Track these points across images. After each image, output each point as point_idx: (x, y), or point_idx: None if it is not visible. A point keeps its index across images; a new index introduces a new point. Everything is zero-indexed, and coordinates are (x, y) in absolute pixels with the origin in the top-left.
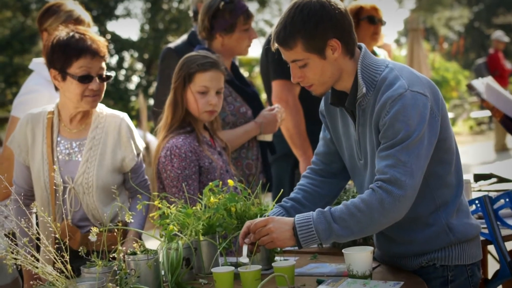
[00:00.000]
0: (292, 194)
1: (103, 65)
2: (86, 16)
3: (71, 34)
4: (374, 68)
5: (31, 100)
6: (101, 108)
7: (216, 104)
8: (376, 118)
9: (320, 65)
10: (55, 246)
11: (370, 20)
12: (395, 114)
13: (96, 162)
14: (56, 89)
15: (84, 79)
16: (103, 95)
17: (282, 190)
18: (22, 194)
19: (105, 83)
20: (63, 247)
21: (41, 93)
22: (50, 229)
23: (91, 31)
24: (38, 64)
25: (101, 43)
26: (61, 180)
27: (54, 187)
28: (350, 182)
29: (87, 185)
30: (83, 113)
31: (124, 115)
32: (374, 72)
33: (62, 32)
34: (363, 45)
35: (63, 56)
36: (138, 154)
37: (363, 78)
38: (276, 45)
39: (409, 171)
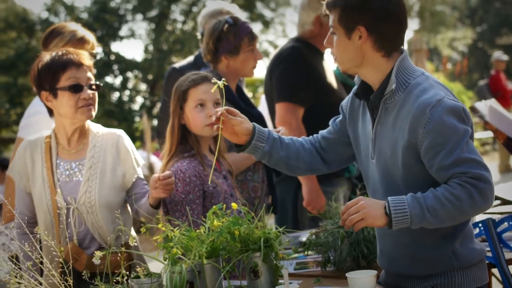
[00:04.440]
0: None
1: (90, 75)
2: (90, 36)
3: (53, 54)
4: (409, 72)
5: (37, 121)
6: (97, 128)
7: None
8: (414, 124)
9: (344, 42)
10: (59, 270)
11: None
12: (439, 120)
13: (97, 180)
14: (51, 115)
15: (75, 88)
16: (96, 105)
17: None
18: (26, 220)
19: (96, 93)
20: (67, 271)
21: (46, 114)
22: (54, 252)
23: (74, 50)
24: None
25: (85, 55)
26: (64, 201)
27: (58, 210)
28: None
29: (90, 204)
30: (80, 132)
31: (121, 132)
32: (409, 74)
33: (45, 56)
34: (406, 51)
35: (50, 74)
36: (138, 168)
37: (396, 76)
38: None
39: (481, 164)
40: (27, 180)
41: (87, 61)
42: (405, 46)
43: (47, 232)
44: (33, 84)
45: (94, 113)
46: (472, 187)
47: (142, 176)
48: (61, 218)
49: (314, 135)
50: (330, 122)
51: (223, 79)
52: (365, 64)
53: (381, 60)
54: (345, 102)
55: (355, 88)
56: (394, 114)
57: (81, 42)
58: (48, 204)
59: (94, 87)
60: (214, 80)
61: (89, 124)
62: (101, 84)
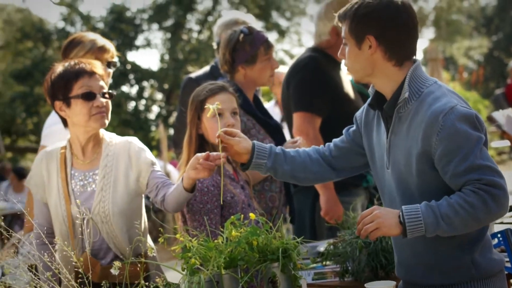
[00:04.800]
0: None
1: (103, 84)
2: (110, 45)
3: (65, 64)
4: (422, 80)
5: (60, 130)
6: (110, 136)
7: (233, 124)
8: (427, 131)
9: (355, 52)
10: (78, 281)
11: None
12: (452, 127)
13: (111, 189)
14: (65, 125)
15: (87, 96)
16: (110, 114)
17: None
18: (45, 231)
19: (109, 102)
20: (86, 282)
21: None
22: (74, 263)
23: (87, 59)
24: None
25: (97, 64)
26: (79, 211)
27: (77, 221)
28: None
29: (104, 214)
30: (94, 140)
31: (133, 139)
32: (421, 83)
33: (57, 67)
34: (418, 60)
35: (63, 83)
36: (152, 165)
37: (409, 85)
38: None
39: (495, 170)
40: (44, 191)
41: (100, 70)
42: (421, 55)
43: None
44: (47, 95)
45: (107, 121)
46: (486, 194)
47: (158, 168)
48: (79, 229)
49: (327, 144)
50: (344, 131)
51: (216, 103)
52: (377, 74)
53: (393, 69)
54: (359, 113)
55: (369, 99)
56: (407, 123)
57: (101, 51)
58: (64, 215)
59: (107, 95)
60: (207, 105)
61: (103, 133)
62: (114, 93)
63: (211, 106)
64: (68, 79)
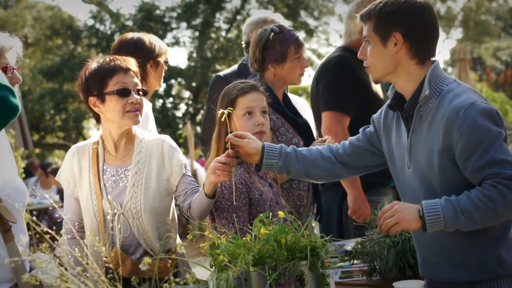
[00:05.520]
0: (299, 148)
1: (137, 81)
2: (163, 44)
3: (100, 61)
4: (442, 79)
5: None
6: (143, 133)
7: (263, 123)
8: (448, 127)
9: (379, 50)
10: (107, 276)
11: None
12: (472, 122)
13: (142, 186)
14: (98, 121)
15: (123, 92)
16: (143, 111)
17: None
18: (76, 226)
19: (143, 98)
20: (116, 277)
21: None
22: (104, 258)
23: (121, 56)
24: None
25: (132, 61)
26: (110, 206)
27: (109, 216)
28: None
29: (136, 210)
30: (127, 137)
31: (166, 137)
32: (441, 81)
33: (91, 63)
34: (437, 60)
35: (98, 79)
36: (184, 169)
37: (429, 83)
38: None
39: None
40: (75, 186)
41: (134, 66)
42: (448, 56)
43: (96, 238)
44: (80, 91)
45: (141, 118)
46: (505, 188)
47: (189, 173)
48: (111, 224)
49: (342, 141)
50: (360, 130)
51: (229, 108)
52: (399, 72)
53: (415, 68)
54: (377, 115)
55: (389, 100)
56: (428, 121)
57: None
58: (95, 209)
59: (141, 92)
60: (221, 110)
61: (136, 129)
62: (148, 90)
63: (224, 111)
64: (103, 75)
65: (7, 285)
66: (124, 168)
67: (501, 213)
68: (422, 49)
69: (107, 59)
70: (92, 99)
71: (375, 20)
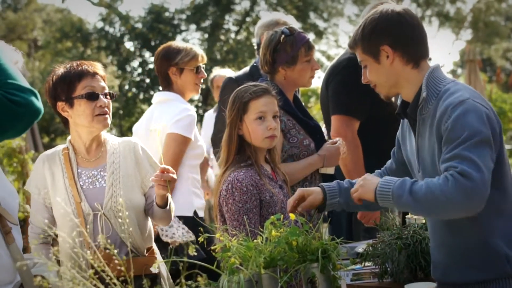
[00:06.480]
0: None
1: (104, 84)
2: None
3: (67, 66)
4: (440, 80)
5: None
6: (111, 137)
7: (275, 128)
8: (438, 125)
9: (375, 68)
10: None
11: None
12: (456, 118)
13: (121, 185)
14: (66, 126)
15: (91, 96)
16: (111, 114)
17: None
18: (42, 233)
19: (111, 102)
20: (105, 277)
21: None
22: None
23: (88, 61)
24: None
25: (98, 65)
26: (90, 208)
27: (90, 217)
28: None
29: (117, 209)
30: (98, 140)
31: (136, 140)
32: (439, 83)
33: (58, 69)
34: (438, 64)
35: (66, 84)
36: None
37: (427, 85)
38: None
39: (476, 164)
40: (46, 194)
41: (101, 71)
42: (458, 57)
43: (76, 241)
44: (48, 97)
45: (109, 122)
46: (453, 180)
47: None
48: (91, 225)
49: (385, 166)
50: (391, 154)
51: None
52: (400, 81)
53: (413, 73)
54: (398, 131)
55: (397, 109)
56: (429, 123)
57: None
58: (74, 213)
59: (108, 96)
60: (155, 127)
61: (105, 135)
62: (116, 94)
63: (157, 128)
64: (71, 80)
65: (9, 286)
66: (100, 169)
67: (442, 204)
68: (413, 50)
69: (74, 64)
70: (60, 104)
71: (361, 44)
